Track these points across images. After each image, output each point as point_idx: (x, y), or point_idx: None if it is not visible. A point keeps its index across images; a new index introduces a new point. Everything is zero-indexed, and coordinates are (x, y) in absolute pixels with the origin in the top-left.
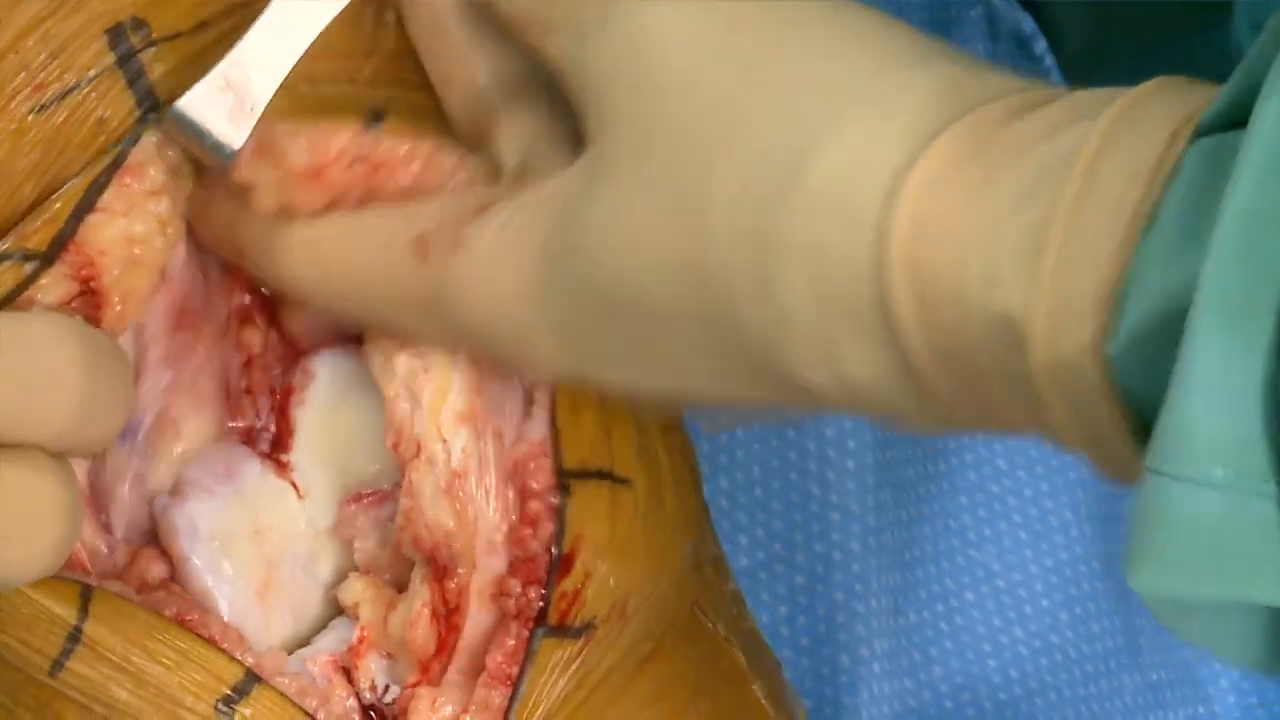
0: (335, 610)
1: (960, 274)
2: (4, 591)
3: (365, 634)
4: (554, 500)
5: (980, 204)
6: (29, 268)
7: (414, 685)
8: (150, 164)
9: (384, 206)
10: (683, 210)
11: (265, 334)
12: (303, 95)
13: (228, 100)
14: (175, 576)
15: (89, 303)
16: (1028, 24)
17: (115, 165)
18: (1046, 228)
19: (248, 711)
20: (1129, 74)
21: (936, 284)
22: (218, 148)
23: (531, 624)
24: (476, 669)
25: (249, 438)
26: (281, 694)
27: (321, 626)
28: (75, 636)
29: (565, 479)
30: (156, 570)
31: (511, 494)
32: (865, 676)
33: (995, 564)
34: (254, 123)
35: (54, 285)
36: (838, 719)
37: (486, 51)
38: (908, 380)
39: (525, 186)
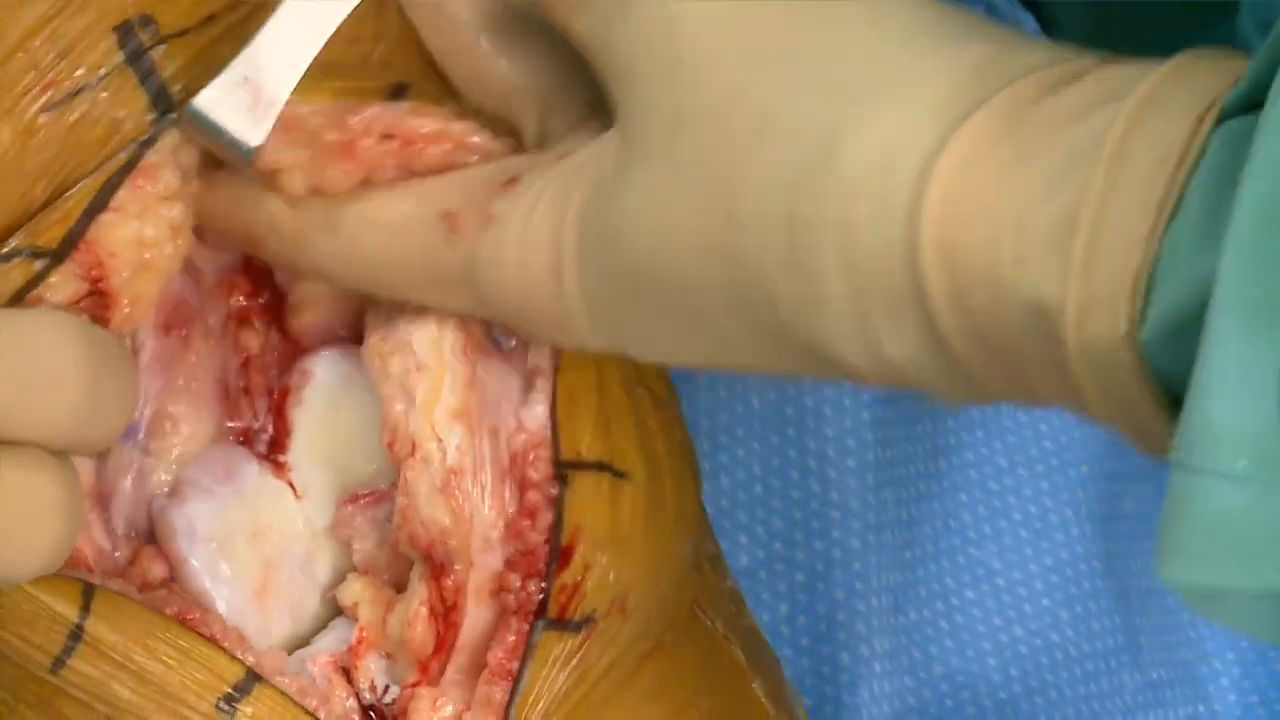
0: (333, 611)
1: (992, 256)
2: (4, 588)
3: (364, 634)
4: (552, 490)
5: (1011, 186)
6: (38, 265)
7: (413, 685)
8: (164, 167)
9: (409, 183)
10: (715, 194)
11: (264, 335)
12: (318, 79)
13: (244, 97)
14: (174, 577)
15: (97, 303)
16: (1029, 23)
17: (129, 166)
18: (1076, 212)
19: (249, 710)
20: None
21: (968, 266)
22: (236, 145)
23: (531, 617)
24: (475, 667)
25: (247, 438)
26: (282, 693)
27: (320, 627)
28: (77, 635)
29: (563, 469)
30: (157, 570)
31: (508, 491)
32: (865, 675)
33: (995, 563)
34: (273, 119)
35: (63, 284)
36: (838, 718)
37: (489, 20)
38: (942, 358)
39: (551, 160)
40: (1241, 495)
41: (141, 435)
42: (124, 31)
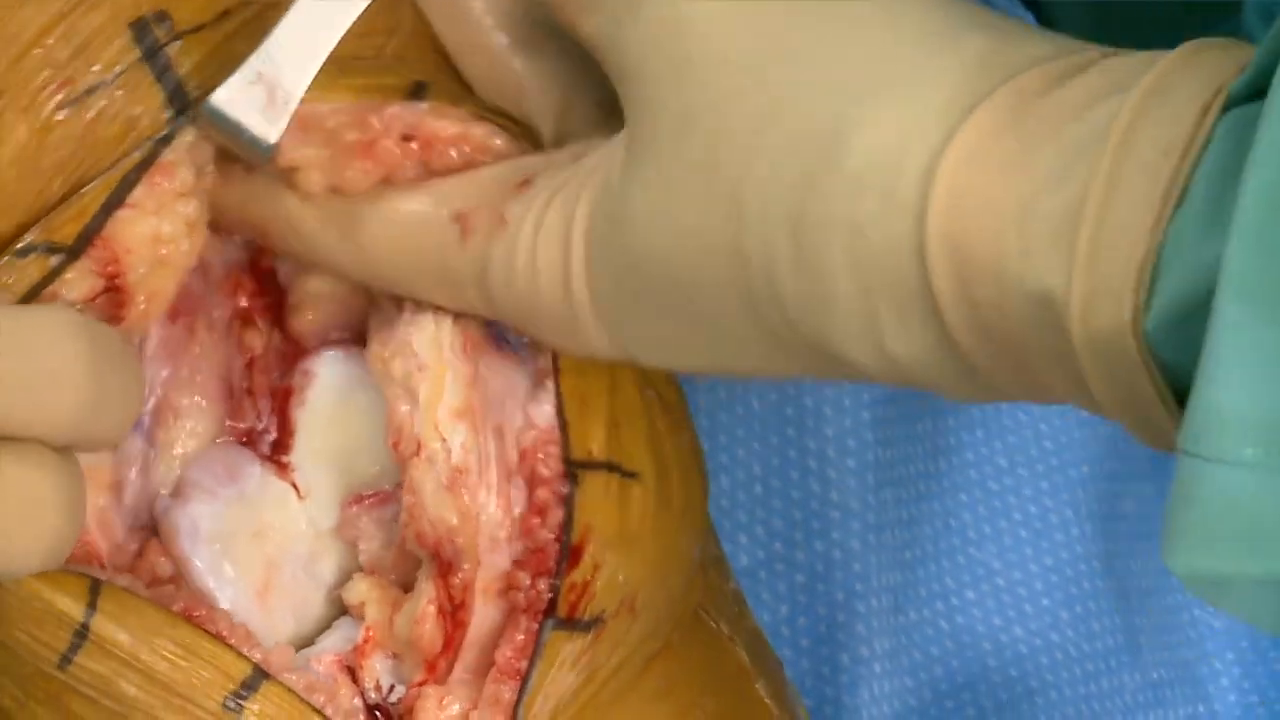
0: (337, 611)
1: (997, 249)
2: (7, 584)
3: (370, 634)
4: (563, 489)
5: (1016, 179)
6: (54, 261)
7: (420, 684)
8: (181, 164)
9: (425, 183)
10: (722, 194)
11: (267, 335)
12: (336, 76)
13: (260, 94)
14: (178, 575)
15: (112, 300)
16: (1028, 22)
17: (147, 163)
18: (1081, 204)
19: (256, 708)
20: None
21: (974, 260)
22: (254, 142)
23: (541, 616)
24: (482, 667)
25: (250, 439)
26: (290, 690)
27: (324, 627)
28: (83, 632)
29: (573, 469)
30: (165, 566)
31: (514, 490)
32: (865, 676)
33: (995, 563)
34: (289, 117)
35: (79, 280)
36: (838, 718)
37: (505, 18)
38: (948, 354)
39: (565, 161)
40: (1249, 482)
41: (146, 425)
42: (139, 28)
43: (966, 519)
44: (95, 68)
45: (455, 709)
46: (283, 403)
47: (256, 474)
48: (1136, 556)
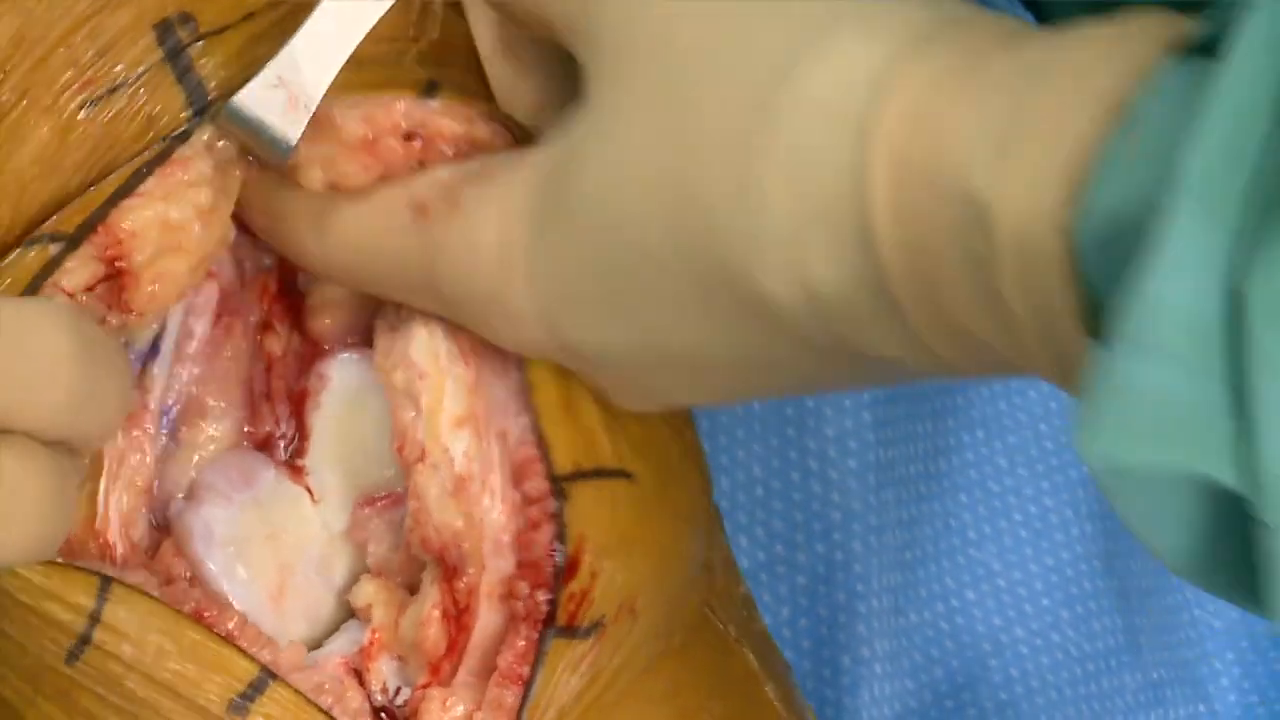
0: (349, 613)
1: (937, 156)
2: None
3: (377, 636)
4: (550, 507)
5: (964, 96)
6: (54, 249)
7: (424, 686)
8: (198, 158)
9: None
10: (671, 129)
11: (286, 339)
12: (349, 72)
13: (281, 96)
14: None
15: (115, 285)
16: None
17: (160, 159)
18: (1024, 114)
19: (262, 709)
20: None
21: (913, 170)
22: (274, 143)
23: (540, 626)
24: (487, 669)
25: (266, 443)
26: (297, 691)
27: (336, 629)
28: (91, 629)
29: (559, 484)
30: (179, 566)
31: (518, 495)
32: (866, 677)
33: (996, 563)
34: (308, 118)
35: (79, 269)
36: None
37: (506, 47)
38: (872, 290)
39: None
40: (1177, 375)
41: (174, 418)
42: (163, 29)
43: (967, 519)
44: (118, 68)
45: (459, 710)
46: (299, 406)
47: (271, 477)
48: (1136, 556)
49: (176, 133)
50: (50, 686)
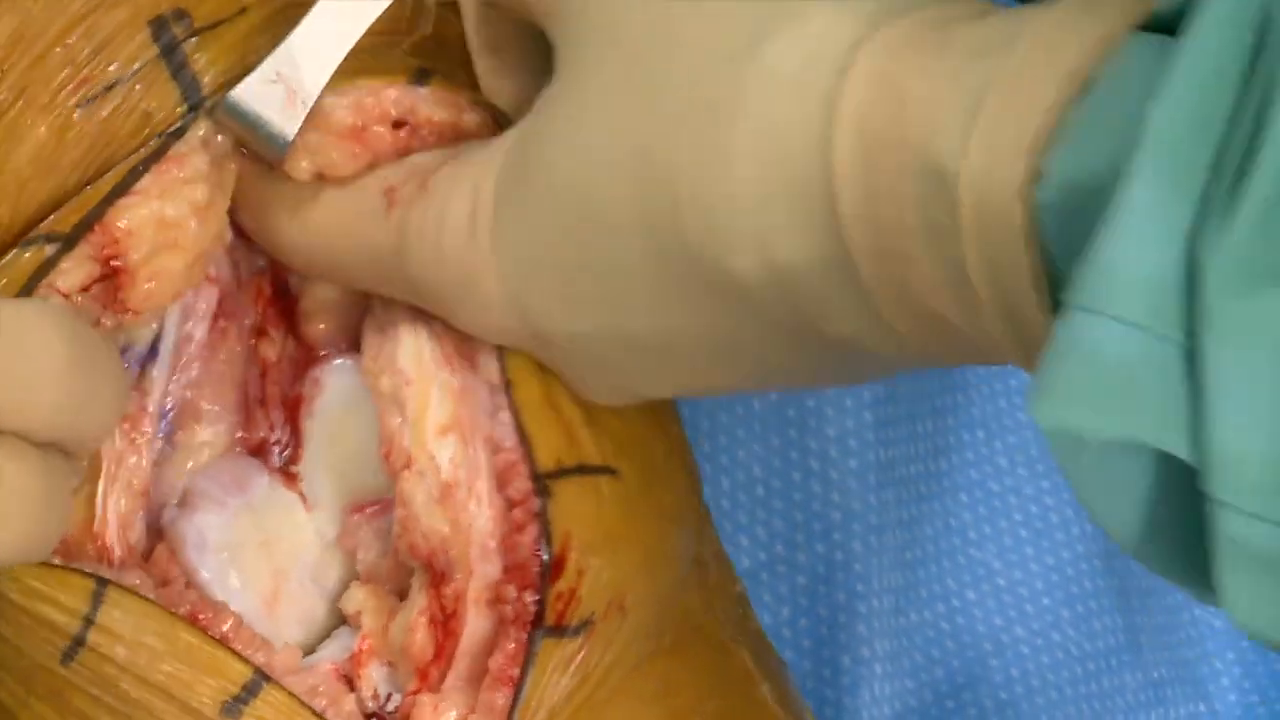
0: (342, 620)
1: (902, 129)
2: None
3: (367, 642)
4: (534, 505)
5: (930, 67)
6: (50, 250)
7: (414, 693)
8: (193, 155)
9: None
10: (639, 101)
11: (281, 345)
12: (343, 62)
13: (279, 92)
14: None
15: (111, 285)
16: None
17: (156, 156)
18: (989, 84)
19: (255, 712)
20: None
21: (878, 140)
22: (271, 138)
23: (529, 627)
24: (477, 674)
25: (261, 449)
26: (291, 694)
27: (329, 636)
28: (85, 631)
29: (542, 482)
30: (173, 570)
31: (503, 500)
32: (867, 677)
33: (996, 563)
34: (305, 114)
35: (75, 269)
36: None
37: (492, 48)
38: (836, 266)
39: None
40: (1132, 341)
41: (169, 421)
42: (158, 25)
43: (967, 519)
44: (113, 66)
45: (451, 715)
46: (293, 412)
47: (264, 483)
48: None
49: (172, 129)
50: (44, 687)
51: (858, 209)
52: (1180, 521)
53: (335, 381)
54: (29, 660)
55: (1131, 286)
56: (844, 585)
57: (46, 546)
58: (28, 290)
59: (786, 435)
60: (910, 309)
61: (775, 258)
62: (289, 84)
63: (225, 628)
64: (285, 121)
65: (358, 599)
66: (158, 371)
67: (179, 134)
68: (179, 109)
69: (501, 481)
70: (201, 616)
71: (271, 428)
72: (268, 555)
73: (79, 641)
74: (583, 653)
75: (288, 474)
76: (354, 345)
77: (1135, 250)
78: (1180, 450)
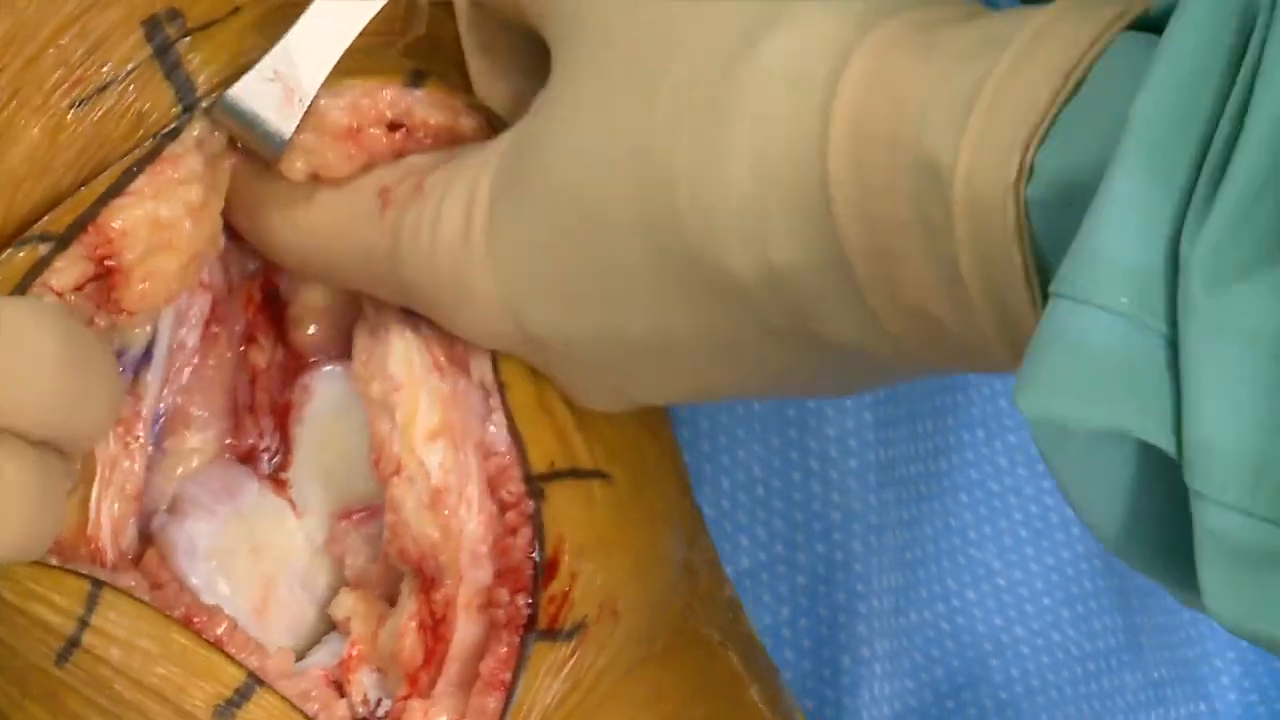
0: (331, 626)
1: (896, 124)
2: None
3: (356, 648)
4: (528, 507)
5: (925, 66)
6: (44, 249)
7: (404, 698)
8: (188, 156)
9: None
10: (635, 98)
11: (270, 352)
12: (339, 63)
13: (276, 90)
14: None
15: (105, 285)
16: None
17: (150, 157)
18: (983, 82)
19: (248, 715)
20: None
21: (873, 136)
22: (268, 137)
23: (522, 630)
24: (466, 680)
25: (250, 456)
26: (283, 698)
27: (319, 642)
28: (80, 633)
29: (536, 484)
30: (165, 574)
31: (495, 505)
32: (866, 677)
33: (996, 563)
34: (302, 113)
35: (68, 268)
36: None
37: (485, 50)
38: (830, 265)
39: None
40: (1116, 329)
41: (159, 427)
42: (151, 26)
43: (967, 519)
44: (106, 66)
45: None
46: (283, 419)
47: (254, 490)
48: None
49: (166, 130)
50: (38, 688)
51: (853, 207)
52: (1163, 517)
53: (325, 388)
54: (23, 661)
55: (1116, 275)
56: (844, 585)
57: (41, 545)
58: (22, 289)
59: (786, 435)
60: (904, 309)
61: (772, 257)
62: (286, 82)
63: (219, 631)
64: (282, 120)
65: (347, 605)
66: (152, 376)
67: (173, 135)
68: (173, 109)
69: (494, 485)
70: (196, 619)
71: (261, 434)
72: (257, 562)
73: (74, 643)
74: (575, 657)
75: (277, 481)
76: (343, 352)
77: (1119, 240)
78: (1161, 441)
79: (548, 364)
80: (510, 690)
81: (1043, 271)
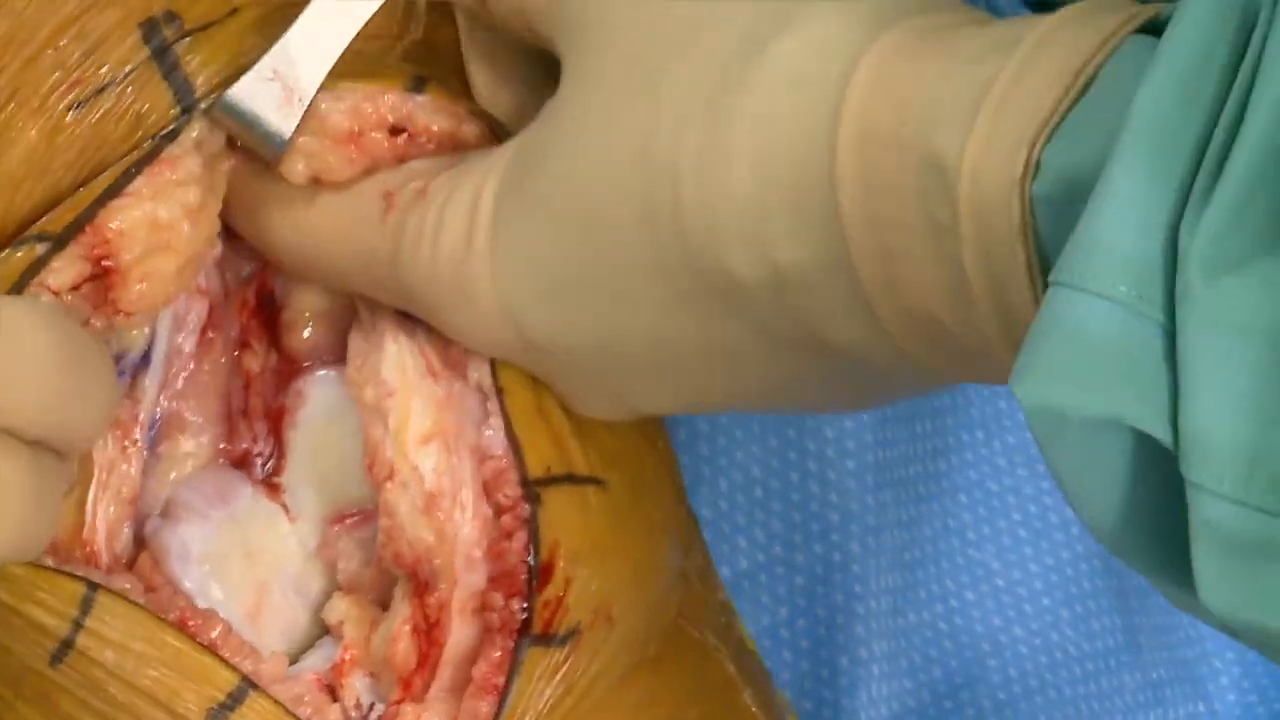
0: (325, 631)
1: (903, 124)
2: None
3: (349, 653)
4: (523, 511)
5: (934, 67)
6: (40, 249)
7: (397, 703)
8: (186, 157)
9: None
10: (641, 99)
11: (264, 357)
12: (337, 66)
13: (276, 90)
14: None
15: (102, 285)
16: None
17: (148, 158)
18: (990, 84)
19: (241, 719)
20: None
21: (879, 136)
22: (268, 137)
23: (516, 635)
24: (459, 684)
25: (244, 461)
26: (276, 702)
27: (312, 647)
28: (74, 634)
29: (532, 488)
30: (158, 578)
31: (489, 508)
32: (865, 678)
33: (995, 563)
34: (302, 113)
35: (65, 268)
36: None
37: (489, 58)
38: (835, 267)
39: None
40: (1114, 317)
41: (154, 432)
42: (148, 27)
43: (966, 519)
44: (104, 68)
45: None
46: (276, 424)
47: (248, 495)
48: None
49: (165, 131)
50: (31, 689)
51: (859, 208)
52: (1158, 508)
53: (318, 393)
54: (17, 661)
55: (1115, 264)
56: (842, 586)
57: (37, 546)
58: (18, 289)
59: (785, 436)
60: (906, 311)
61: (777, 259)
62: (286, 82)
63: (214, 634)
64: (282, 120)
65: (340, 609)
66: (150, 380)
67: (172, 136)
68: (171, 111)
69: (490, 489)
70: (190, 623)
71: (254, 439)
72: (250, 567)
73: (68, 644)
74: (569, 662)
75: (271, 485)
76: (338, 357)
77: (1119, 230)
78: (1158, 431)
79: (548, 372)
80: (503, 695)
81: (1046, 270)
